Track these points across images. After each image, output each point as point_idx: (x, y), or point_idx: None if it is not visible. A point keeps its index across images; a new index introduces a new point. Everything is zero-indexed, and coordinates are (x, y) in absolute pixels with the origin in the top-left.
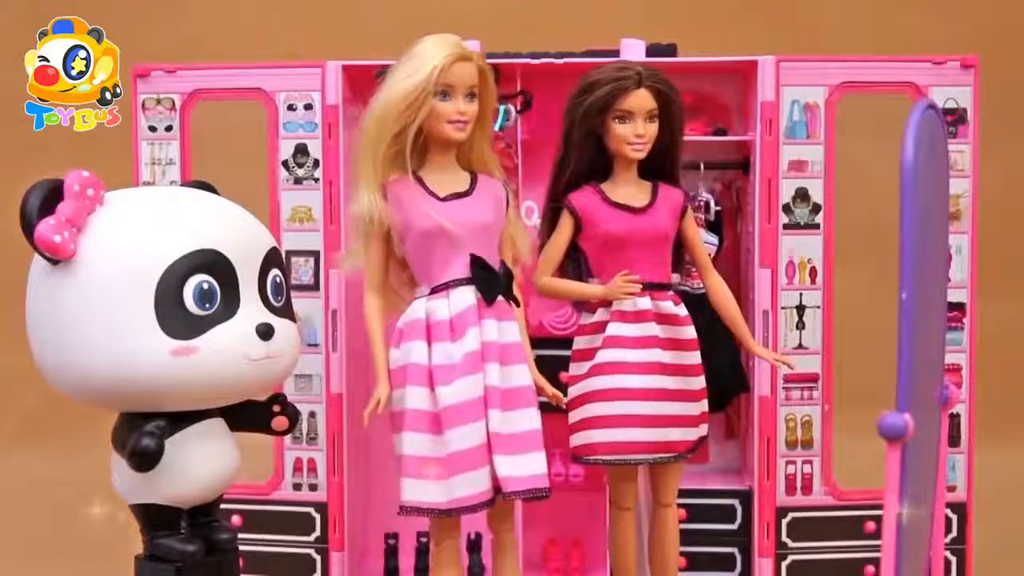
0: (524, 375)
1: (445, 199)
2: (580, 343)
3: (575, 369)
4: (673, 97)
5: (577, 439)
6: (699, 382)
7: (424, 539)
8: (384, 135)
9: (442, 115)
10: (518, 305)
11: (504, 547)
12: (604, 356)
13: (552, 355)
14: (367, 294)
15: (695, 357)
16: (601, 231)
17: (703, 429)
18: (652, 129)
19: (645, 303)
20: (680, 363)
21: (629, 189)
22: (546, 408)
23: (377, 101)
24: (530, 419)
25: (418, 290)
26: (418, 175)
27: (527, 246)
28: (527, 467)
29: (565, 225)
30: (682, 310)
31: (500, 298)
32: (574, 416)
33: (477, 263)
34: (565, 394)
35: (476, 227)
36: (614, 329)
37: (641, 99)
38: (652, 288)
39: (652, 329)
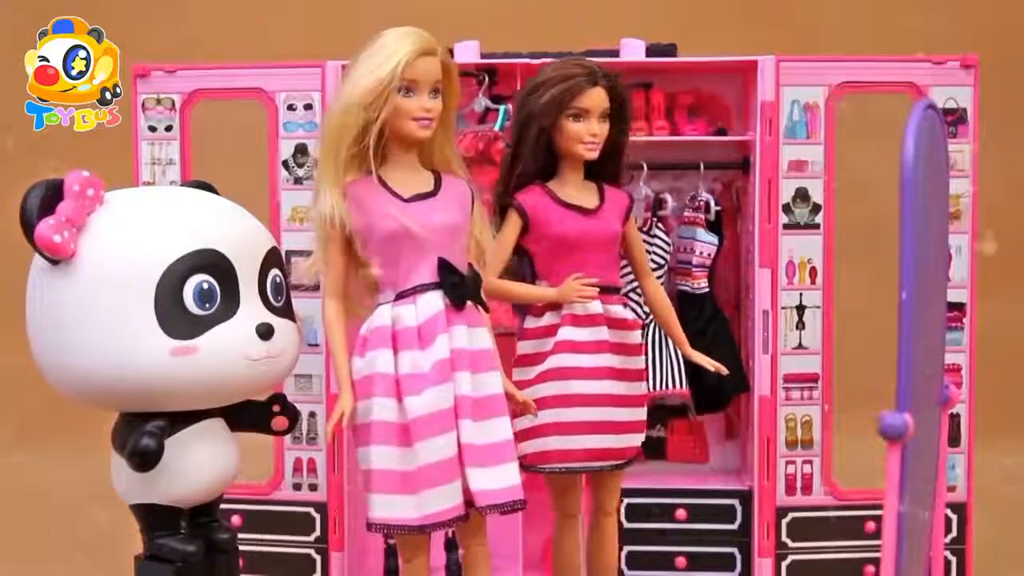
0: (496, 383)
1: (409, 200)
2: (526, 347)
3: (520, 375)
4: (625, 97)
5: (529, 447)
6: (643, 388)
7: None
8: (346, 134)
9: (406, 112)
10: (487, 310)
11: (476, 562)
12: (556, 361)
13: None
14: (327, 301)
15: (640, 362)
16: (553, 232)
17: (643, 436)
18: (605, 129)
19: (597, 307)
20: (627, 368)
21: (577, 190)
22: None
23: (338, 98)
24: (503, 429)
25: (381, 296)
26: (380, 175)
27: (491, 244)
28: (501, 479)
29: (512, 225)
30: (629, 314)
31: (468, 303)
32: (522, 424)
33: (444, 267)
34: None
35: (442, 229)
36: (566, 333)
37: (597, 97)
38: (602, 291)
39: (603, 333)
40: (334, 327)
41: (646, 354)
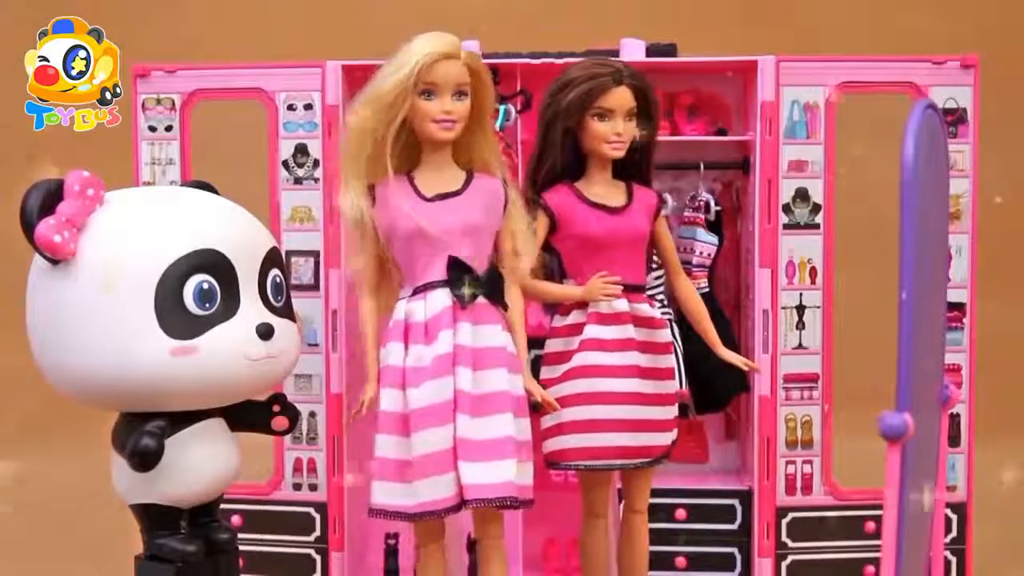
0: (500, 380)
1: (431, 199)
2: (554, 346)
3: (547, 373)
4: (651, 97)
5: (551, 445)
6: (672, 386)
7: None
8: (366, 135)
9: (426, 114)
10: (506, 308)
11: (490, 557)
12: (581, 359)
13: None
14: (360, 293)
15: (669, 360)
16: (579, 231)
17: (674, 434)
18: (630, 128)
19: (622, 305)
20: (655, 367)
21: (605, 189)
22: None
23: (359, 100)
24: (502, 425)
25: (402, 291)
26: (411, 175)
27: (530, 244)
28: (493, 475)
29: (540, 224)
30: (657, 312)
31: (483, 301)
32: (547, 421)
33: (454, 265)
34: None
35: (459, 228)
36: (592, 331)
37: (621, 97)
38: (628, 290)
39: (629, 332)
40: (365, 319)
41: None
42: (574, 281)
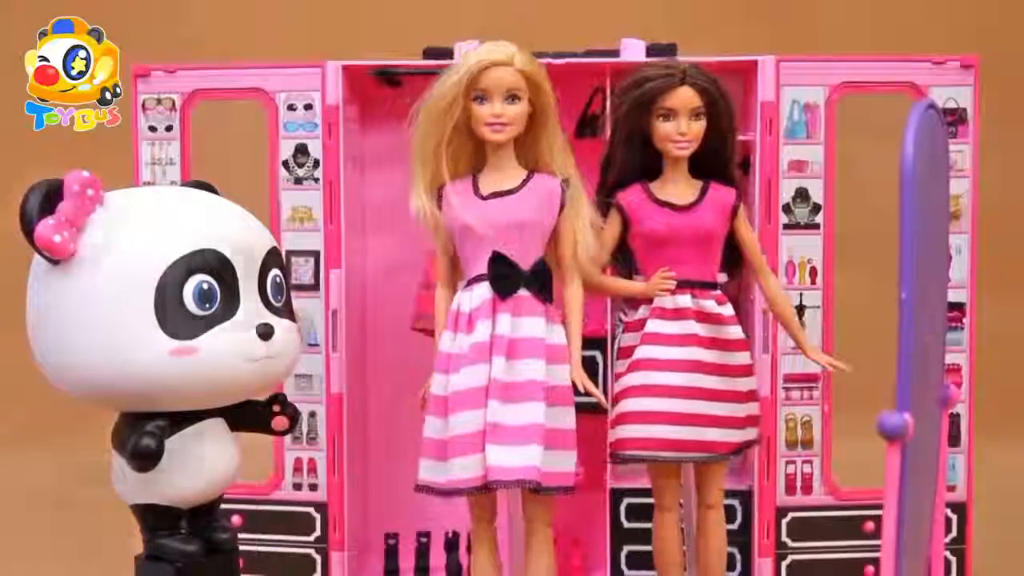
0: (534, 370)
1: (486, 198)
2: (625, 340)
3: (619, 366)
4: (719, 95)
5: (611, 435)
6: (746, 383)
7: (424, 539)
8: (427, 138)
9: (478, 118)
10: (550, 302)
11: (533, 543)
12: (642, 353)
13: None
14: (437, 286)
15: (742, 357)
16: (644, 229)
17: (750, 432)
18: (696, 127)
19: (685, 301)
20: (723, 363)
21: (677, 187)
22: (587, 408)
23: (421, 106)
24: (532, 413)
25: (460, 284)
26: (475, 174)
27: (592, 241)
28: (516, 458)
29: (612, 223)
30: (727, 309)
31: (524, 294)
32: (611, 413)
33: (495, 260)
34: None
35: (507, 225)
36: (652, 326)
37: (684, 97)
38: (694, 286)
39: (692, 327)
40: (439, 310)
41: None
42: (643, 277)
